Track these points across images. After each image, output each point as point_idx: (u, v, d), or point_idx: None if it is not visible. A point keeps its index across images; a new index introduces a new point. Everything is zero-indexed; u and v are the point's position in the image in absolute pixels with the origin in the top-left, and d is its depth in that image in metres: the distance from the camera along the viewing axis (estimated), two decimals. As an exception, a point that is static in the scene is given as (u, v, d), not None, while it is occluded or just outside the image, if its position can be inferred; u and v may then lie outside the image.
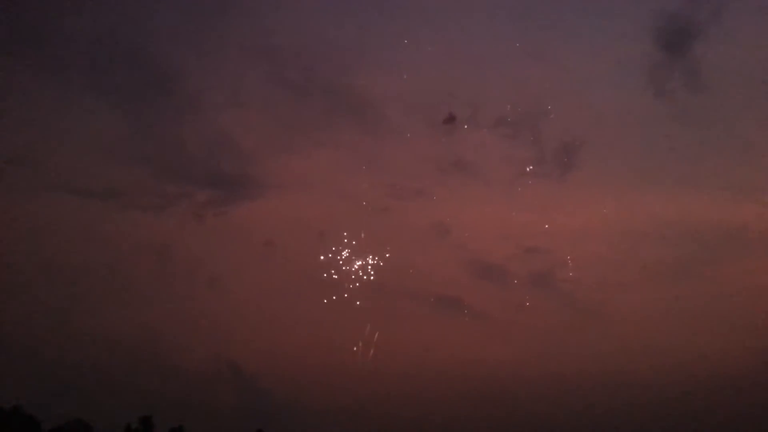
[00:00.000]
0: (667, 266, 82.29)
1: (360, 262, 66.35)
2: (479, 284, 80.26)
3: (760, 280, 77.37)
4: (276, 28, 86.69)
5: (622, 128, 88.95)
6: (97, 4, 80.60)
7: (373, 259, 66.58)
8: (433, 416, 67.65)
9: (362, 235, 67.04)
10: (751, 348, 72.65)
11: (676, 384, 71.73)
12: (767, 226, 79.38)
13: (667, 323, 77.79)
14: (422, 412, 67.43)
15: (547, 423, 70.24)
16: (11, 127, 75.56)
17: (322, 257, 67.20)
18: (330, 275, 65.77)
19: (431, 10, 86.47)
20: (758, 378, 68.11)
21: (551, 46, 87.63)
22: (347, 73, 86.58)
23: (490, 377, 72.01)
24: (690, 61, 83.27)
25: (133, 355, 66.00)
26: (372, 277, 66.50)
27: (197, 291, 74.80)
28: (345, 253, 66.29)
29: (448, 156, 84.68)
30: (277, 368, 68.49)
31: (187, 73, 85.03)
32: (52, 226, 74.73)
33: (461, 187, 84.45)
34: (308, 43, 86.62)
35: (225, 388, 66.03)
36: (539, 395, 71.98)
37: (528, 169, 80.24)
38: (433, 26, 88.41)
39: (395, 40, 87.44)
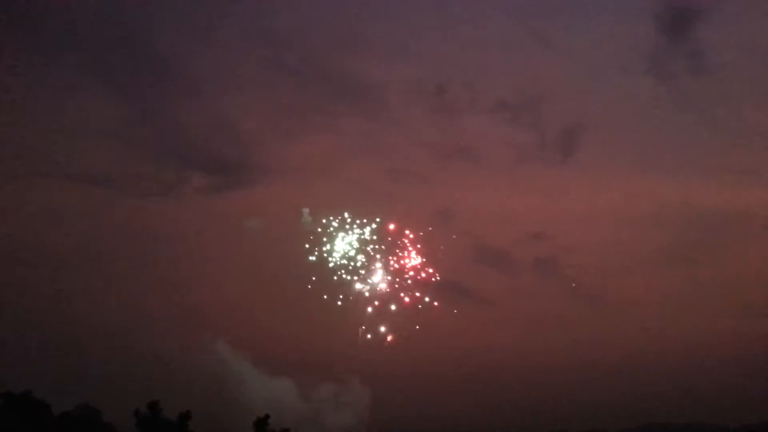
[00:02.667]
0: (670, 251, 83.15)
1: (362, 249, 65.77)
2: (484, 270, 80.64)
3: (764, 264, 78.02)
4: (275, 12, 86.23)
5: (624, 112, 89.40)
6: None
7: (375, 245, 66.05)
8: (438, 401, 68.12)
9: (364, 220, 66.71)
10: (754, 331, 73.49)
11: (679, 367, 72.61)
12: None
13: (670, 307, 78.53)
14: (426, 397, 67.81)
15: (549, 406, 71.00)
16: (9, 112, 74.91)
17: (322, 243, 66.65)
18: (332, 261, 65.40)
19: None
20: (761, 361, 68.92)
21: (552, 30, 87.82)
22: (347, 57, 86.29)
23: (494, 361, 72.64)
24: (692, 44, 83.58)
25: (134, 341, 65.99)
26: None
27: (196, 276, 74.85)
28: (347, 240, 65.90)
29: (450, 141, 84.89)
30: (279, 355, 68.77)
31: (186, 58, 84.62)
32: (50, 212, 74.49)
33: (464, 172, 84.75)
34: (308, 27, 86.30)
35: (231, 374, 66.10)
36: (542, 379, 72.70)
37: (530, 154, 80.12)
38: (434, 10, 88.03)
39: (396, 24, 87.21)
